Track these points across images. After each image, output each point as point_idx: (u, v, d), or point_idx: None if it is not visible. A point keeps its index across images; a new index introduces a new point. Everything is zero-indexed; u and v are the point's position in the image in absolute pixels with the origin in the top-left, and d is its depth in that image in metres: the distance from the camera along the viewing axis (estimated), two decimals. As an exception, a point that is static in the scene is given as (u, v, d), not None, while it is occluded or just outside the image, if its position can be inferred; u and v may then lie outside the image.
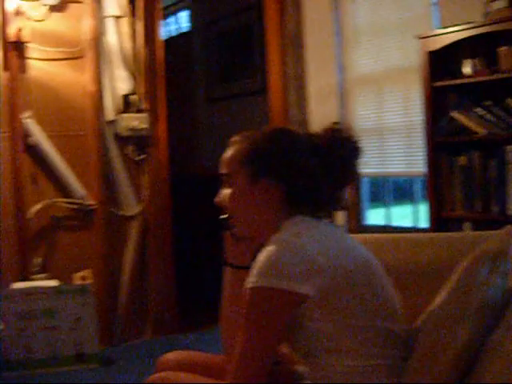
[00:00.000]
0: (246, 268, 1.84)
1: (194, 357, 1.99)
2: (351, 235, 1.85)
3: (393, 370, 1.61)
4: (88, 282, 4.14)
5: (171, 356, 1.98)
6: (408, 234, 2.44)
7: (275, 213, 1.72)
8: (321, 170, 1.70)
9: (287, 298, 1.54)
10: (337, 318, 1.58)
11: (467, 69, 3.57)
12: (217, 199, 1.83)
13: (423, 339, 1.55)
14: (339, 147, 1.72)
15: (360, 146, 1.76)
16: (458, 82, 3.63)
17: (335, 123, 1.80)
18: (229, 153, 1.81)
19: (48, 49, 4.22)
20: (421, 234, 2.44)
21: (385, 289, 1.70)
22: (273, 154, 1.70)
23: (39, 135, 4.18)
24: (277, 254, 1.55)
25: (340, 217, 4.52)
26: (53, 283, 4.09)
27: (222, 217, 1.84)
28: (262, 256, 1.57)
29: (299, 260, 1.54)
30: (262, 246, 1.65)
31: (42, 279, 4.13)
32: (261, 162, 1.71)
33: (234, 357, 1.61)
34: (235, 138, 1.83)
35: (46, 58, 4.23)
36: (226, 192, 1.80)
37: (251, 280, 1.56)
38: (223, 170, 1.80)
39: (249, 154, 1.73)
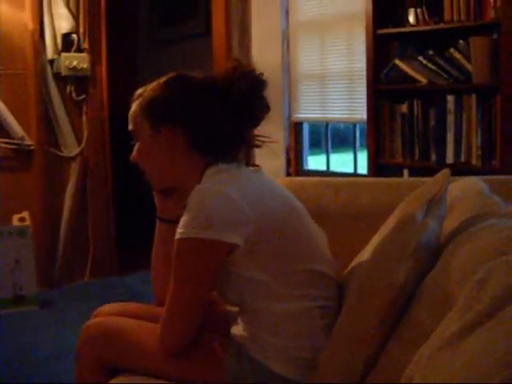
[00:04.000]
0: (175, 222, 1.86)
1: (131, 307, 1.98)
2: (277, 179, 1.84)
3: (326, 311, 1.65)
4: (27, 223, 4.09)
5: (107, 308, 1.97)
6: (348, 178, 2.47)
7: (188, 162, 1.70)
8: (221, 109, 1.68)
9: (215, 248, 1.54)
10: (267, 265, 1.60)
11: (411, 17, 3.58)
12: (131, 157, 1.78)
13: (359, 280, 1.57)
14: (237, 81, 1.68)
15: (263, 78, 1.71)
16: (402, 30, 3.65)
17: (235, 60, 1.73)
18: (132, 108, 1.77)
19: (-14, -17, 4.07)
20: (360, 179, 2.48)
21: (311, 231, 1.72)
22: (166, 102, 1.68)
23: (-24, 72, 4.06)
24: (202, 204, 1.54)
25: (279, 161, 4.53)
26: (-10, 224, 4.03)
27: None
28: (188, 206, 1.56)
29: (225, 209, 1.53)
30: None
31: (-21, 220, 4.06)
32: (156, 111, 1.69)
33: (165, 307, 1.62)
34: (138, 92, 1.78)
35: (-17, -8, 4.08)
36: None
37: (179, 231, 1.55)
38: (130, 127, 1.77)
39: (145, 105, 1.71)
